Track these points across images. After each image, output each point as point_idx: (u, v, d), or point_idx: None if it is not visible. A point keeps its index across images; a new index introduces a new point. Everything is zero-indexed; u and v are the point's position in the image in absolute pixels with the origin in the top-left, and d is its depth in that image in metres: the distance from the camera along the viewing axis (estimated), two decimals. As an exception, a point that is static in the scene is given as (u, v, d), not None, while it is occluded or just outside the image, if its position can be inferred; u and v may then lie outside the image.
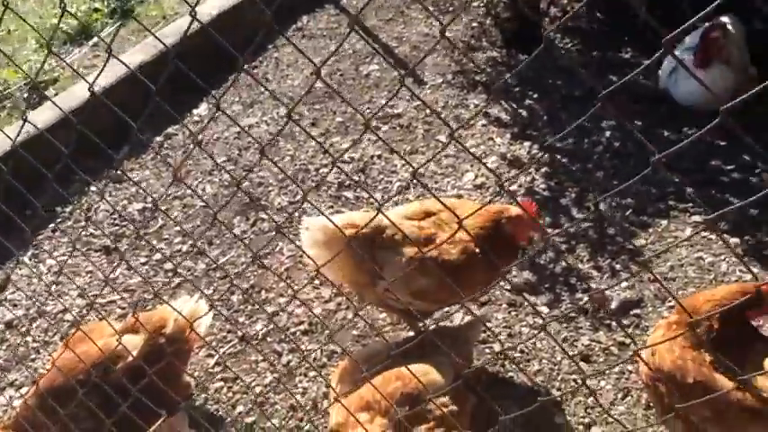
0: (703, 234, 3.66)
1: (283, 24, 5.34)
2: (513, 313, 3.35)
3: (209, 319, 2.75)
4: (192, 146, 4.37)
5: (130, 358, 2.37)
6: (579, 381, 3.04)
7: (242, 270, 3.52)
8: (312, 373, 3.09)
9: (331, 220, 1.81)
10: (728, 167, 4.02)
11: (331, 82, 4.83)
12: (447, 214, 2.82)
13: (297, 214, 3.83)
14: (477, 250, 2.74)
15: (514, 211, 2.79)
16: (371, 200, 3.94)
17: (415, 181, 4.06)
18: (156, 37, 1.71)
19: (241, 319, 3.30)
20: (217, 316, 3.31)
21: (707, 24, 4.51)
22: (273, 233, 3.74)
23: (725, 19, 4.45)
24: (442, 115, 4.56)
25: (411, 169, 4.12)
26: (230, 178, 4.03)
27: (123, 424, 2.14)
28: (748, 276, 3.41)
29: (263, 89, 4.74)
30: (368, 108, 4.58)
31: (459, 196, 3.96)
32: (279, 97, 4.64)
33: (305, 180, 4.07)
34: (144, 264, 3.58)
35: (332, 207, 3.90)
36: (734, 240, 3.61)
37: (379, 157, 4.23)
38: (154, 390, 2.05)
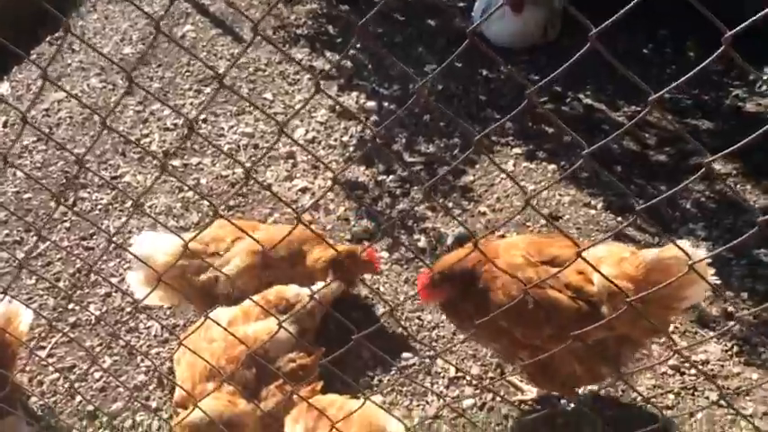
0: (524, 164, 3.86)
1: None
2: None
3: (29, 316, 2.55)
4: (-5, 128, 3.99)
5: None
6: (421, 319, 3.14)
7: (66, 254, 3.29)
8: (155, 350, 2.97)
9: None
10: (542, 99, 4.25)
11: (144, 47, 4.56)
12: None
13: (121, 187, 3.63)
14: None
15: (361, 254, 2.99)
16: (200, 166, 3.80)
17: (244, 143, 3.98)
18: None
19: (71, 306, 3.09)
20: (44, 306, 3.08)
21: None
22: (97, 212, 3.52)
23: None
24: (266, 72, 4.46)
25: (239, 130, 4.03)
26: (42, 160, 3.72)
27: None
28: (566, 199, 3.65)
29: (69, 62, 4.39)
30: (187, 71, 4.38)
31: (292, 153, 3.91)
32: (88, 68, 4.37)
33: (126, 153, 3.84)
34: (-46, 261, 3.25)
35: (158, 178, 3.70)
36: (551, 167, 3.84)
37: (205, 120, 4.07)
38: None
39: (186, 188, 3.64)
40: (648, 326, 2.24)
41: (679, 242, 2.36)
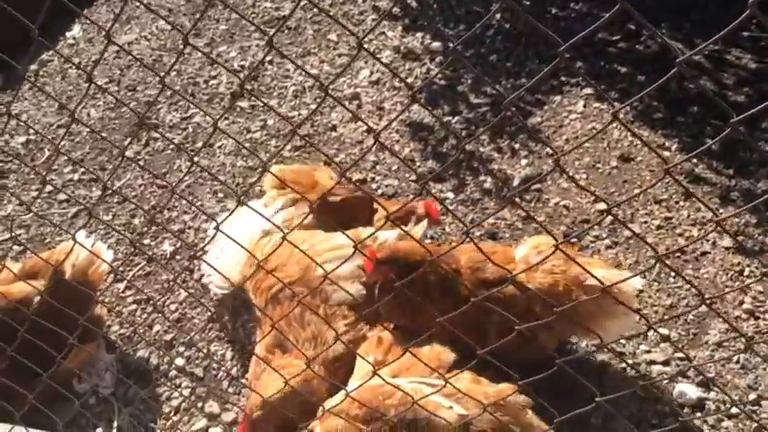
0: (595, 105, 3.76)
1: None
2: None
3: (110, 256, 2.66)
4: (71, 70, 4.09)
5: (34, 303, 2.30)
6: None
7: (140, 193, 3.39)
8: (227, 285, 3.06)
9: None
10: (614, 38, 4.10)
11: (211, -11, 4.58)
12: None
13: (191, 129, 3.70)
14: None
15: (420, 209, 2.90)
16: (265, 107, 3.83)
17: (309, 85, 3.99)
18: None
19: (146, 241, 3.20)
20: (120, 240, 3.20)
21: None
22: (169, 152, 3.60)
23: None
24: (331, 13, 4.42)
25: (304, 73, 4.04)
26: (115, 100, 3.82)
27: (35, 358, 2.06)
28: (637, 142, 3.54)
29: (137, 3, 4.45)
30: (252, 12, 4.38)
31: (357, 95, 3.90)
32: (156, 10, 4.41)
33: (195, 94, 3.90)
34: (36, 198, 3.39)
35: (227, 119, 3.76)
36: (624, 108, 3.72)
37: (271, 62, 4.08)
38: (63, 327, 1.97)
39: (253, 129, 3.68)
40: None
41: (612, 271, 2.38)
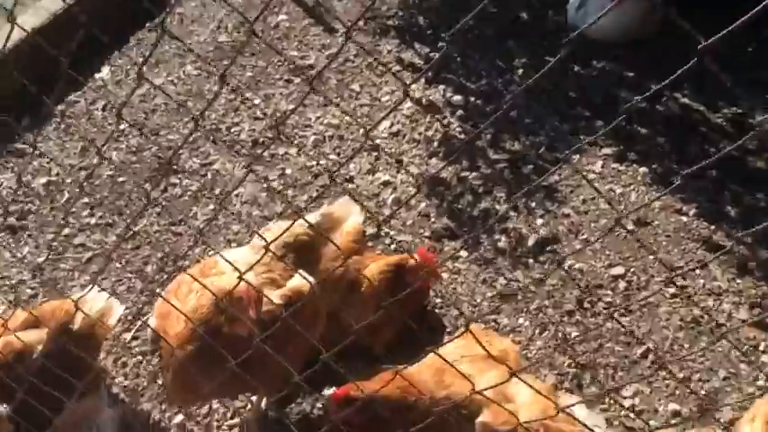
0: (613, 166, 3.74)
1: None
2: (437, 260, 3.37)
3: (120, 310, 2.66)
4: (97, 112, 4.19)
5: (34, 355, 2.30)
6: (497, 322, 3.10)
7: (155, 239, 3.43)
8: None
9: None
10: (635, 98, 4.08)
11: (239, 35, 4.67)
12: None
13: (210, 176, 3.75)
14: None
15: (413, 261, 2.85)
16: (286, 156, 3.88)
17: (330, 135, 4.03)
18: None
19: (158, 290, 3.23)
20: (131, 288, 3.23)
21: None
22: (187, 198, 3.65)
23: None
24: (355, 63, 4.48)
25: (326, 121, 4.09)
26: (137, 144, 3.89)
27: (29, 414, 2.07)
28: (657, 203, 3.51)
29: (167, 47, 4.55)
30: (278, 61, 4.46)
31: (376, 146, 3.93)
32: (184, 54, 4.52)
33: (216, 141, 3.96)
34: (52, 240, 3.45)
35: (246, 167, 3.81)
36: (642, 170, 3.70)
37: (292, 111, 4.13)
38: (62, 381, 1.98)
39: (271, 178, 3.72)
40: None
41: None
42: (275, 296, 2.27)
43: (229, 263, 1.76)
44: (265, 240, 1.85)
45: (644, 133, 3.88)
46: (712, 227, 3.38)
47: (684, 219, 3.44)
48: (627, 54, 4.35)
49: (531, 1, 4.79)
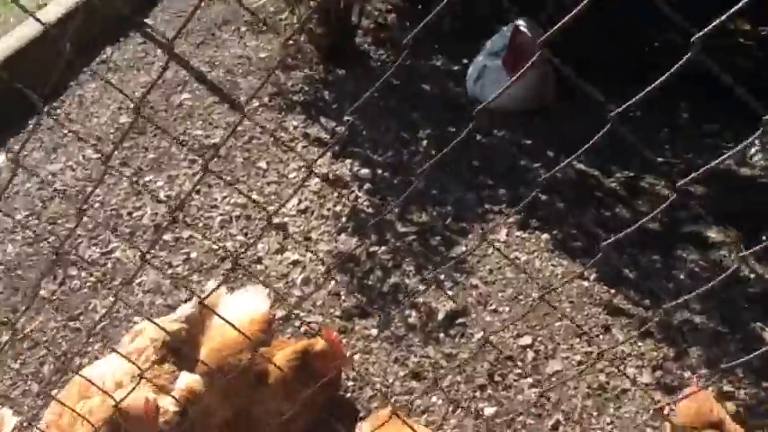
0: (517, 233, 3.82)
1: (86, 59, 5.05)
2: (345, 341, 3.33)
3: (13, 422, 2.50)
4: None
5: None
6: (411, 403, 3.07)
7: (52, 337, 3.27)
8: None
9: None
10: (535, 165, 4.23)
11: (141, 117, 4.60)
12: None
13: (110, 264, 3.63)
14: None
15: (320, 345, 2.77)
16: (191, 239, 3.80)
17: (237, 215, 3.98)
18: None
19: (54, 392, 3.06)
20: (27, 392, 3.05)
21: (504, 28, 4.74)
22: (86, 290, 3.51)
23: (521, 22, 4.68)
24: (261, 140, 4.47)
25: (232, 201, 4.04)
26: (34, 235, 3.74)
27: None
28: (559, 270, 3.60)
29: (66, 131, 4.43)
30: (183, 140, 4.41)
31: (284, 225, 3.90)
32: (84, 137, 4.41)
33: (117, 227, 3.85)
34: (-61, 343, 3.24)
35: (149, 253, 3.70)
36: (545, 236, 3.80)
37: (198, 191, 4.08)
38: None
39: (175, 264, 3.63)
40: None
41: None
42: (169, 403, 2.18)
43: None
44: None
45: (544, 200, 4.00)
46: (612, 290, 3.49)
47: (586, 284, 3.54)
48: (525, 122, 4.52)
49: (433, 73, 4.94)
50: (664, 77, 1.09)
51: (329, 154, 4.39)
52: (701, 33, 1.02)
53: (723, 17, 1.03)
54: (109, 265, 3.62)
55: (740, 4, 1.03)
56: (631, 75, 2.92)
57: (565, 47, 1.19)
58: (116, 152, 4.31)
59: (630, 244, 3.68)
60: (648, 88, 1.12)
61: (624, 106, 1.20)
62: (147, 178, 4.16)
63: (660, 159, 4.23)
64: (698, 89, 3.73)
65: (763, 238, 3.55)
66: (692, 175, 1.14)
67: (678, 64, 1.07)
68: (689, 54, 1.04)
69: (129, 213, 3.93)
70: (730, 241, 3.69)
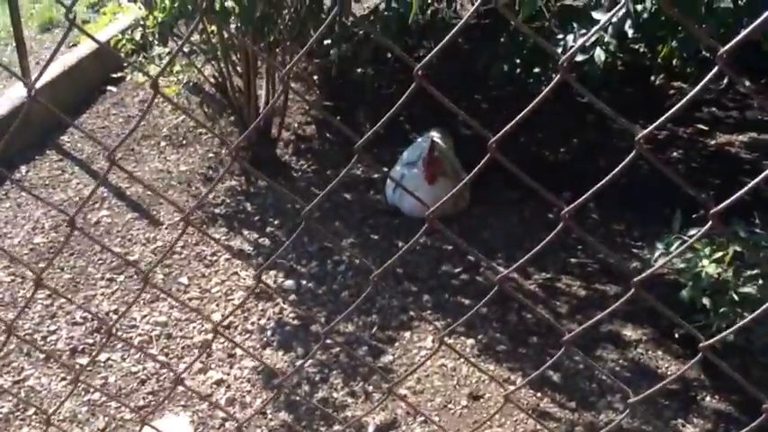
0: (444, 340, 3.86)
1: (-1, 178, 4.95)
2: (272, 462, 3.23)
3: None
4: None
5: None
6: None
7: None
8: None
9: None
10: (457, 270, 4.34)
11: (57, 235, 4.50)
12: None
13: (23, 394, 3.44)
14: None
15: None
16: (109, 362, 3.66)
17: (157, 334, 3.87)
18: None
19: None
20: None
21: (420, 139, 4.97)
22: (-6, 425, 3.30)
23: (434, 133, 4.92)
24: (183, 254, 4.43)
25: (152, 320, 3.95)
26: (-64, 367, 3.52)
27: None
28: (485, 378, 3.64)
29: (-25, 253, 4.27)
30: (100, 259, 4.31)
31: (207, 342, 3.82)
32: (-6, 261, 4.25)
33: (30, 353, 3.67)
34: None
35: (64, 379, 3.54)
36: (470, 341, 3.86)
37: (116, 311, 3.97)
38: None
39: (92, 390, 3.47)
40: None
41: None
42: None
43: None
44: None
45: (467, 304, 4.08)
46: (538, 394, 3.54)
47: (512, 388, 3.58)
48: (444, 228, 4.65)
49: (353, 182, 5.07)
50: (611, 176, 1.18)
51: (254, 265, 4.39)
52: (644, 132, 1.12)
53: (662, 118, 1.13)
54: (22, 394, 3.43)
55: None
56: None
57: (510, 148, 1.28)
58: (29, 273, 4.17)
59: (553, 345, 3.78)
60: (597, 186, 1.20)
61: (575, 204, 1.25)
62: (62, 300, 4.02)
63: (573, 260, 4.42)
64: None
65: (676, 335, 3.72)
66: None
67: (624, 162, 1.16)
68: (633, 154, 1.13)
69: (44, 338, 3.77)
70: (646, 339, 3.84)
